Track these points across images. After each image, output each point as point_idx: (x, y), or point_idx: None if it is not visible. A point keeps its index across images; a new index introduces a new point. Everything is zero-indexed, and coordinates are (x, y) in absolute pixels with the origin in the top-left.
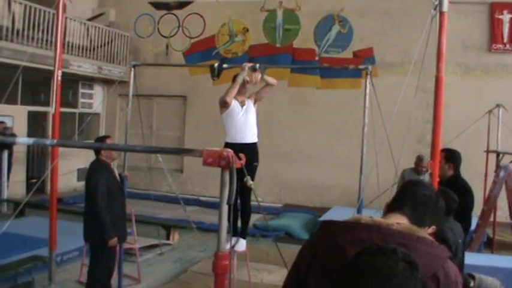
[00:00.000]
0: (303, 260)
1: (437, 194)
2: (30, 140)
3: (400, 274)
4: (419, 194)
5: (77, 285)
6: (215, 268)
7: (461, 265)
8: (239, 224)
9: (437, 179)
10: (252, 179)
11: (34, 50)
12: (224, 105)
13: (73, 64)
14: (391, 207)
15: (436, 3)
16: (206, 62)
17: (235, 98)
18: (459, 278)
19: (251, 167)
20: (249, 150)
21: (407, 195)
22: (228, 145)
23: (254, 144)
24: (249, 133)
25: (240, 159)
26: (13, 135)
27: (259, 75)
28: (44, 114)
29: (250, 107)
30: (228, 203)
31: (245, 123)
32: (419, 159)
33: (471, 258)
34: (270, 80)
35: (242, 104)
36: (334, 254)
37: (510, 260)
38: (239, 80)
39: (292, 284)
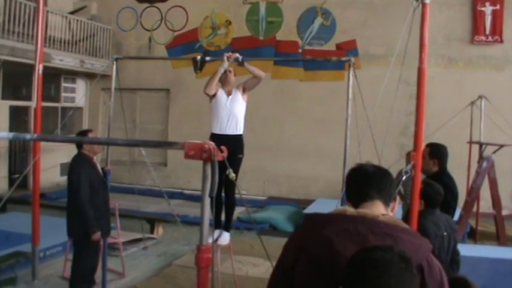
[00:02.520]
0: (288, 254)
1: (383, 168)
2: (10, 135)
3: (396, 265)
4: (375, 177)
5: (61, 280)
6: (198, 261)
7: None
8: (223, 217)
9: (420, 171)
10: (237, 172)
11: (14, 44)
12: (208, 95)
13: (55, 58)
14: (359, 199)
15: None
16: (189, 55)
17: (222, 88)
18: (442, 269)
19: (235, 159)
20: (234, 142)
21: (367, 183)
22: (213, 136)
23: (239, 136)
24: (232, 123)
25: (221, 151)
26: None
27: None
28: (26, 109)
29: (237, 97)
30: (210, 196)
31: (230, 113)
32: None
33: None
34: (257, 71)
35: (228, 94)
36: (321, 245)
37: (493, 249)
38: (219, 71)
39: (279, 278)
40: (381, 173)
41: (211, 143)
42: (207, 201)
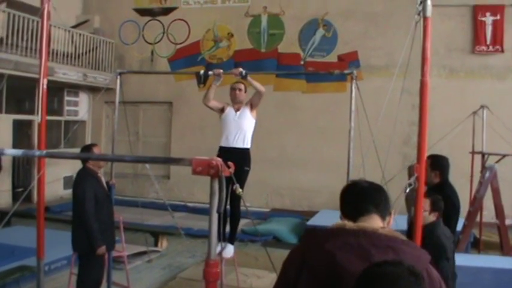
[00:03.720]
0: (291, 269)
1: (377, 184)
2: (19, 152)
3: (406, 279)
4: (371, 192)
5: None
6: (206, 276)
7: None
8: (227, 229)
9: (424, 184)
10: (243, 184)
11: (18, 58)
12: (208, 107)
13: (58, 72)
14: (356, 214)
15: (420, 8)
16: (191, 68)
17: (231, 105)
18: (441, 279)
19: (242, 172)
20: (241, 155)
21: (364, 198)
22: (220, 149)
23: (246, 149)
24: (239, 138)
25: (229, 167)
26: None
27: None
28: (29, 123)
29: (245, 114)
30: (218, 212)
31: (237, 128)
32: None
33: (458, 259)
34: (258, 86)
35: (237, 110)
36: (323, 260)
37: (497, 259)
38: (213, 84)
39: None
40: (375, 188)
41: (219, 159)
42: (215, 216)
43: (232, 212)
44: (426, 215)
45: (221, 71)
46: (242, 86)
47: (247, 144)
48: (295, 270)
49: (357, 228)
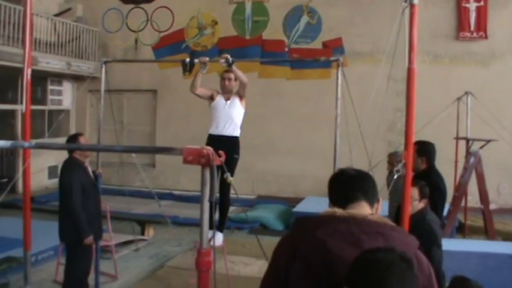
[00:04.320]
0: (281, 258)
1: (364, 172)
2: (8, 143)
3: (398, 265)
4: (359, 179)
5: (54, 284)
6: (198, 265)
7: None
8: (216, 217)
9: (411, 170)
10: (233, 171)
11: (1, 48)
12: (195, 94)
13: (41, 61)
14: (344, 201)
15: None
16: (176, 56)
17: (221, 94)
18: (429, 264)
19: (231, 160)
20: (230, 143)
21: (352, 185)
22: (210, 136)
23: (235, 137)
24: (230, 126)
25: (219, 156)
26: None
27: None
28: (13, 112)
29: (235, 103)
30: (210, 201)
31: (227, 116)
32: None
33: (444, 244)
34: (240, 75)
35: (227, 99)
36: (315, 247)
37: (482, 244)
38: (200, 72)
39: (272, 283)
40: (363, 176)
41: (210, 148)
42: (206, 205)
43: (221, 199)
44: (416, 204)
45: (207, 58)
46: (232, 76)
47: (236, 132)
48: (286, 258)
49: (347, 215)
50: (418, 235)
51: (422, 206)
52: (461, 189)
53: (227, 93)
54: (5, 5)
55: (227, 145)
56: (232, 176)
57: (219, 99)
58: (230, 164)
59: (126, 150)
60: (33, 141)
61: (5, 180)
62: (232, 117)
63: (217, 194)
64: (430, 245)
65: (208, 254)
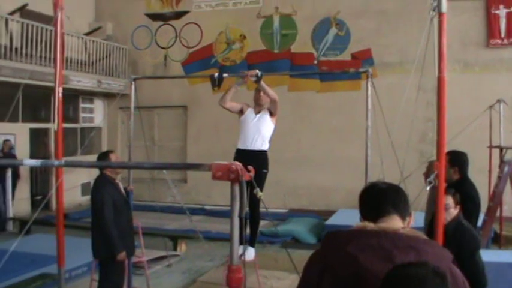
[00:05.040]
0: (312, 273)
1: (395, 185)
2: (38, 162)
3: (431, 280)
4: (390, 193)
5: None
6: (229, 282)
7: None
8: (247, 231)
9: (444, 181)
10: (262, 186)
11: (33, 67)
12: (224, 107)
13: (72, 79)
14: (376, 215)
15: (435, 4)
16: (205, 71)
17: (251, 107)
18: (465, 279)
19: (260, 174)
20: (258, 158)
21: (383, 199)
22: (238, 151)
23: (263, 151)
24: (258, 140)
25: (249, 171)
26: (12, 155)
27: (255, 75)
28: (45, 131)
29: (265, 117)
30: (239, 216)
31: (255, 131)
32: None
33: None
34: (269, 91)
35: (257, 113)
36: (346, 262)
37: None
38: (233, 87)
39: None
40: (394, 189)
41: (239, 163)
42: (236, 221)
43: (251, 214)
44: (452, 211)
45: (257, 71)
46: None
47: (265, 146)
48: (317, 274)
49: (378, 229)
50: (459, 241)
51: (456, 212)
52: (496, 198)
53: (259, 106)
54: (37, 25)
55: (255, 160)
56: (261, 190)
57: (249, 113)
58: (259, 179)
59: (155, 167)
60: (64, 160)
61: (39, 197)
62: (260, 130)
63: (247, 209)
64: (473, 249)
65: (239, 271)
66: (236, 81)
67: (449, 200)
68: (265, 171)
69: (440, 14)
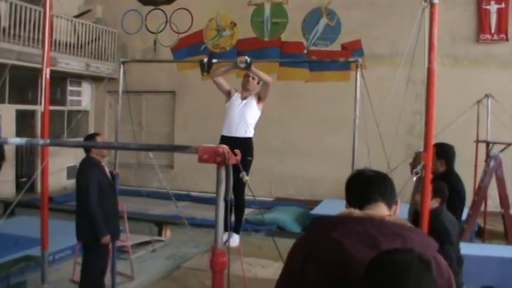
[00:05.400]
0: (297, 258)
1: (382, 173)
2: (23, 140)
3: (416, 267)
4: (377, 180)
5: (70, 284)
6: (213, 265)
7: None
8: (232, 218)
9: (431, 172)
10: (247, 173)
11: (21, 48)
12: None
13: (61, 62)
14: (362, 202)
15: None
16: (194, 57)
17: (239, 92)
18: (449, 267)
19: (245, 161)
20: (243, 145)
21: (369, 186)
22: (222, 138)
23: (248, 138)
24: (242, 127)
25: (235, 155)
26: None
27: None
28: (32, 113)
29: (251, 104)
30: (225, 199)
31: (240, 117)
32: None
33: (463, 248)
34: (263, 75)
35: (243, 98)
36: (331, 248)
37: (501, 249)
38: (227, 67)
39: (287, 285)
40: (381, 176)
41: (225, 146)
42: (222, 204)
43: (237, 201)
44: (431, 202)
45: (246, 57)
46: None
47: (249, 133)
48: (301, 260)
49: (364, 216)
50: (430, 232)
51: (436, 205)
52: (481, 193)
53: (246, 91)
54: (25, 6)
55: (240, 147)
56: (243, 181)
57: (236, 98)
58: (244, 166)
59: (142, 148)
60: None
61: (24, 179)
62: (245, 117)
63: (232, 196)
64: (441, 242)
65: (222, 255)
66: (232, 65)
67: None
68: (250, 158)
69: (432, 5)
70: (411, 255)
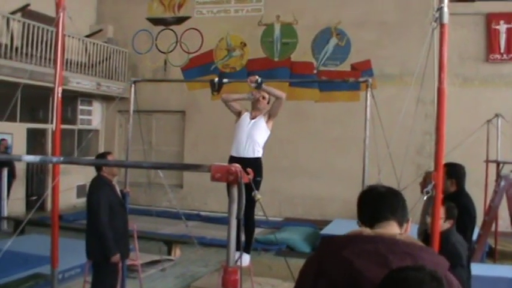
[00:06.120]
0: (307, 278)
1: (394, 189)
2: (37, 158)
3: (428, 284)
4: (389, 196)
5: None
6: (224, 283)
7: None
8: (242, 238)
9: (441, 192)
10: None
11: (33, 68)
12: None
13: (72, 81)
14: (373, 220)
15: (437, 15)
16: (205, 77)
17: (248, 112)
18: (460, 286)
19: (254, 182)
20: (251, 165)
21: (381, 203)
22: (231, 159)
23: (257, 158)
24: (250, 147)
25: (247, 174)
26: (8, 155)
27: (255, 81)
28: (43, 131)
29: (260, 124)
30: (237, 218)
31: (248, 137)
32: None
33: (474, 269)
34: (275, 91)
35: (252, 118)
36: (341, 267)
37: None
38: (243, 96)
39: None
40: (393, 194)
41: (238, 165)
42: (234, 223)
43: (246, 221)
44: (441, 223)
45: (257, 77)
46: (266, 95)
47: (258, 153)
48: (312, 278)
49: (374, 234)
50: (441, 254)
51: (448, 226)
52: (491, 213)
53: (255, 111)
54: (38, 26)
55: (249, 167)
56: (255, 200)
57: (245, 117)
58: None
59: (153, 166)
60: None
61: (34, 198)
62: (253, 137)
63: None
64: (453, 265)
65: (235, 273)
66: (248, 94)
67: (442, 212)
68: (259, 178)
69: (442, 25)
70: (423, 272)
